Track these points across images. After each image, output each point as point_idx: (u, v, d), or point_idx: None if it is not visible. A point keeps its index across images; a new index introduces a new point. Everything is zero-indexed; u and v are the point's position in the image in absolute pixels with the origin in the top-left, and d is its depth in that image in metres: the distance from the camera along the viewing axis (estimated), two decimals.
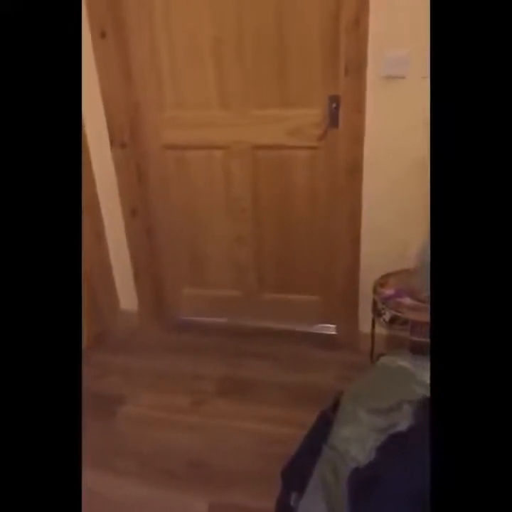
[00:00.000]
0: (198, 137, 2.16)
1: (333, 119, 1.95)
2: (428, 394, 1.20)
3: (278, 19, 1.88)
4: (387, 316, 1.88)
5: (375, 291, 1.92)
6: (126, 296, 2.48)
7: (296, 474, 1.25)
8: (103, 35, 1.93)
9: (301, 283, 2.35)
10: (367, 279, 2.03)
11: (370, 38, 1.72)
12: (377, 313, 1.93)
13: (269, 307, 2.45)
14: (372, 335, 2.03)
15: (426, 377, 1.30)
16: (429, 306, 1.71)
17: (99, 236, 2.33)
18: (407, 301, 1.82)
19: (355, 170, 1.93)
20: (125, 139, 2.11)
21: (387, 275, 1.96)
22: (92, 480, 1.68)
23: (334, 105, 1.91)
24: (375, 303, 1.92)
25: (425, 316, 1.70)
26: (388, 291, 1.88)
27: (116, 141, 2.12)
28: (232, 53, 1.96)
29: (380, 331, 1.98)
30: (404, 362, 1.40)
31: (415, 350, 1.81)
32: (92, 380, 2.15)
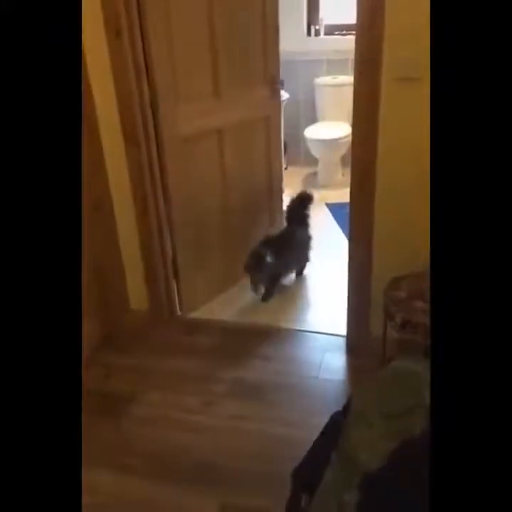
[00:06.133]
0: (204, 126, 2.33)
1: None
2: None
3: None
4: (398, 320, 1.86)
5: (386, 294, 1.90)
6: (137, 296, 2.48)
7: (307, 477, 1.24)
8: (118, 34, 1.94)
9: None
10: (378, 281, 2.01)
11: (384, 38, 1.71)
12: (388, 316, 1.92)
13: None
14: (384, 338, 2.01)
15: None
16: None
17: (112, 235, 2.34)
18: (419, 304, 1.80)
19: (367, 172, 1.91)
20: (139, 136, 2.11)
21: (399, 278, 1.95)
22: (101, 479, 1.68)
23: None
24: (386, 306, 1.91)
25: None
26: (400, 295, 1.87)
27: (130, 138, 2.12)
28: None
29: (392, 334, 1.97)
30: (416, 366, 1.38)
31: (427, 354, 1.80)
32: (101, 380, 2.16)
